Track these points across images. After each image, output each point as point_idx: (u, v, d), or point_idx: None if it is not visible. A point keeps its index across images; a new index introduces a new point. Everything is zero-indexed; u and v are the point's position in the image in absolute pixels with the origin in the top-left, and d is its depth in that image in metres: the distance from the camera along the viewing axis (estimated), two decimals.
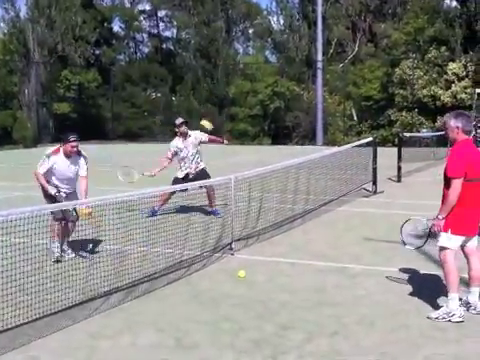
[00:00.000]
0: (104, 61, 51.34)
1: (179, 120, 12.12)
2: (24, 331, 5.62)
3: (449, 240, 5.92)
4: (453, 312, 5.83)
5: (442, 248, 5.99)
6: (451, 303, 5.88)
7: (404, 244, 6.79)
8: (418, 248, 6.89)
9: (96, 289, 6.66)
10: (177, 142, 11.91)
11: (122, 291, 6.83)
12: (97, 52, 51.92)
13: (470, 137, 6.12)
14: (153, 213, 10.99)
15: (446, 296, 6.02)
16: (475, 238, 6.11)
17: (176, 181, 11.53)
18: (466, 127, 5.98)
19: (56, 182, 8.39)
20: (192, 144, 11.84)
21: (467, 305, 6.05)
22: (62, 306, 6.15)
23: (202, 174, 11.58)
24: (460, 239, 5.96)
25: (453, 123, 5.98)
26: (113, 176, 11.11)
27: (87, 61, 47.84)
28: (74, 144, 8.56)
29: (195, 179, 11.10)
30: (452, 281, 5.91)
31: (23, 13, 47.34)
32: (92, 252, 8.19)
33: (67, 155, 8.49)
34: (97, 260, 7.26)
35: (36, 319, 5.85)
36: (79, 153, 8.66)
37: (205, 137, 12.01)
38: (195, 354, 5.21)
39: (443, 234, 5.92)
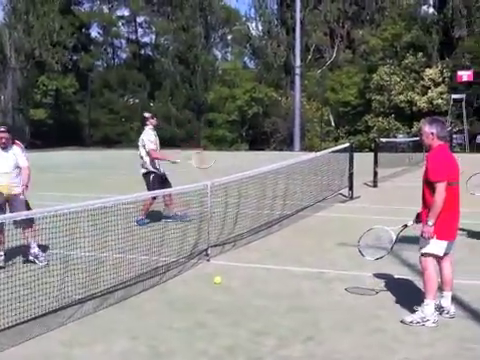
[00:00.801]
0: (82, 67, 51.18)
1: (149, 113, 12.37)
2: None
3: (435, 246, 5.91)
4: (428, 317, 5.85)
5: (425, 254, 5.97)
6: (427, 309, 5.89)
7: (362, 255, 6.74)
8: (377, 259, 6.77)
9: (70, 296, 6.60)
10: (152, 134, 11.98)
11: (97, 298, 6.78)
12: (75, 58, 51.77)
13: (445, 143, 6.15)
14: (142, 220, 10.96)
15: (420, 300, 6.06)
16: (453, 244, 6.13)
17: (159, 178, 11.64)
18: (441, 133, 5.99)
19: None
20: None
21: (440, 309, 6.09)
22: (36, 314, 6.09)
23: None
24: (445, 244, 5.95)
25: (428, 129, 6.01)
26: (91, 182, 11.03)
27: (64, 67, 47.66)
28: (2, 135, 8.29)
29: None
30: (431, 288, 5.92)
31: (0, 18, 47.07)
32: (66, 258, 8.12)
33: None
34: (72, 267, 7.20)
35: (9, 327, 5.77)
36: (13, 143, 8.47)
37: None
38: None
39: (430, 240, 5.90)
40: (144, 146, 11.84)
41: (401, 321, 5.94)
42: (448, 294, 6.16)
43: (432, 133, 5.98)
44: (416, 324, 5.86)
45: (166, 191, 10.56)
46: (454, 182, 5.95)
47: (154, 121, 12.13)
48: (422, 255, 6.02)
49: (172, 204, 11.48)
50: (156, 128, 12.18)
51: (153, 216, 11.33)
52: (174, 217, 11.34)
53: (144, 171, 11.87)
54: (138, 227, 8.82)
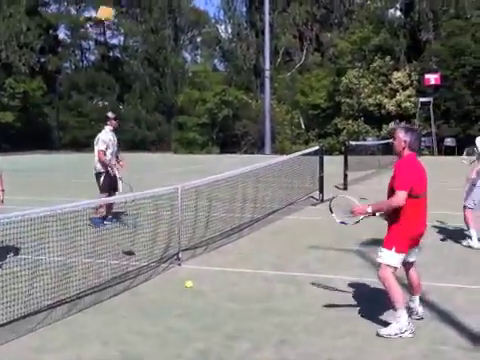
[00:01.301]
0: (49, 69, 50.67)
1: (113, 114, 12.43)
2: None
3: (392, 258, 5.79)
4: (404, 328, 5.73)
5: (383, 265, 5.85)
6: (401, 320, 5.74)
7: (341, 222, 6.86)
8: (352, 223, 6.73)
9: (40, 302, 6.50)
10: (109, 135, 12.03)
11: (66, 304, 6.70)
12: (42, 60, 51.19)
13: (415, 153, 6.09)
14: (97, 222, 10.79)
15: (390, 304, 6.09)
16: (415, 250, 6.09)
17: (110, 178, 11.70)
18: (413, 144, 5.96)
19: None
20: (116, 142, 12.16)
21: (409, 310, 6.12)
22: (4, 320, 5.99)
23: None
24: (402, 257, 5.84)
25: (402, 136, 5.96)
26: (59, 186, 10.90)
27: (32, 69, 47.12)
28: None
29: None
30: (396, 297, 5.78)
31: None
32: (35, 264, 8.00)
33: None
34: (41, 272, 7.10)
35: None
36: None
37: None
38: None
39: (386, 251, 5.81)
40: (97, 145, 11.95)
41: (377, 334, 5.75)
42: (417, 297, 6.21)
43: (405, 141, 5.93)
44: (394, 336, 5.69)
45: (137, 195, 10.46)
46: (420, 194, 5.86)
47: (115, 123, 12.21)
48: (380, 265, 5.90)
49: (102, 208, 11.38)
50: (115, 130, 12.24)
51: (121, 220, 11.23)
52: (111, 220, 11.30)
53: (95, 171, 11.93)
54: (108, 231, 8.72)
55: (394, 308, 5.83)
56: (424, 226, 5.99)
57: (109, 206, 11.36)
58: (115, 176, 11.89)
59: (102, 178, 11.79)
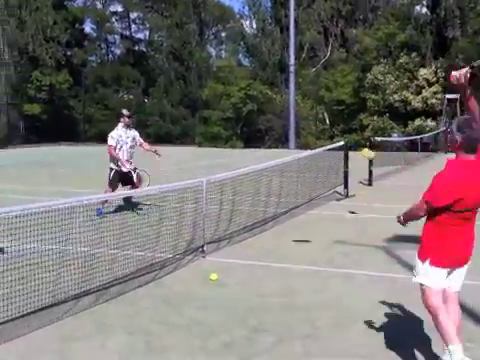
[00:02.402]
0: (75, 62, 50.98)
1: (127, 111, 12.71)
2: None
3: (426, 274, 4.60)
4: None
5: (421, 288, 4.68)
6: (454, 357, 4.43)
7: None
8: None
9: (66, 292, 6.58)
10: (120, 132, 12.29)
11: (92, 294, 6.77)
12: (68, 53, 51.51)
13: (472, 157, 4.54)
14: (100, 213, 10.86)
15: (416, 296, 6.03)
16: (459, 275, 4.71)
17: (121, 174, 12.00)
18: (465, 145, 4.52)
19: None
20: (130, 138, 12.34)
21: None
22: (31, 309, 6.06)
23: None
24: (443, 273, 4.58)
25: (455, 134, 4.60)
26: (86, 177, 11.01)
27: (58, 62, 47.45)
28: None
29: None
30: (445, 331, 4.47)
31: None
32: (61, 254, 8.08)
33: None
34: (67, 263, 7.17)
35: (4, 322, 5.75)
36: None
37: (140, 138, 12.62)
38: (165, 357, 5.18)
39: (419, 263, 4.64)
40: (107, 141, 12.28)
41: None
42: (455, 348, 4.46)
43: (456, 141, 4.55)
44: None
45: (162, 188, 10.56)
46: (462, 209, 4.47)
47: (128, 120, 12.40)
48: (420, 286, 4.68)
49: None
50: (130, 127, 12.42)
51: (150, 212, 11.29)
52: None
53: (110, 165, 12.31)
54: (133, 223, 8.78)
55: (445, 345, 4.52)
56: (470, 248, 4.63)
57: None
58: (128, 172, 12.13)
59: (112, 173, 12.15)
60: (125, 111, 12.71)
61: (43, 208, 6.52)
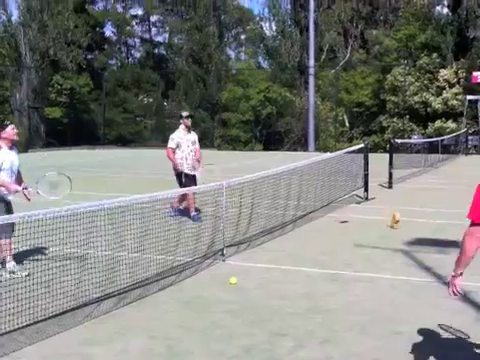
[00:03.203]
0: (96, 66, 51.33)
1: (186, 113, 12.46)
2: (15, 337, 5.59)
3: None
4: None
5: None
6: None
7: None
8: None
9: (88, 295, 6.64)
10: (180, 134, 12.04)
11: (114, 297, 6.82)
12: (89, 57, 51.90)
13: None
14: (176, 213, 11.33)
15: (435, 304, 6.03)
16: None
17: (186, 176, 11.75)
18: None
19: (8, 179, 7.84)
20: (190, 141, 12.06)
21: None
22: (53, 312, 6.13)
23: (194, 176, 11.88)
24: None
25: None
26: (103, 180, 11.08)
27: (79, 66, 47.78)
28: (14, 126, 8.02)
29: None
30: None
31: (15, 17, 47.36)
32: (83, 257, 8.15)
33: (13, 144, 8.01)
34: (89, 266, 7.24)
35: (27, 325, 5.82)
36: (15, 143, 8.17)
37: (197, 143, 12.28)
38: None
39: None
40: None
41: None
42: None
43: None
44: None
45: (179, 191, 10.68)
46: None
47: (187, 121, 12.13)
48: None
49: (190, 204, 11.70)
50: (188, 129, 12.13)
51: (170, 215, 11.36)
52: (194, 218, 11.54)
53: (175, 170, 12.03)
54: (154, 226, 8.83)
55: None
56: None
57: (180, 199, 11.75)
58: (193, 175, 11.89)
59: (183, 176, 11.81)
60: (184, 113, 12.44)
61: (65, 212, 6.58)
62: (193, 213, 11.64)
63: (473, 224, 4.08)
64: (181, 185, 11.65)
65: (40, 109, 45.92)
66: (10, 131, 7.92)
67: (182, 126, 12.10)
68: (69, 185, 7.78)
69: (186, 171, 11.82)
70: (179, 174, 11.89)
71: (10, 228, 7.27)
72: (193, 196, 11.60)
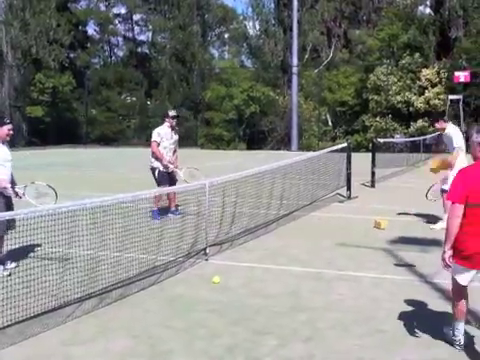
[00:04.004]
0: (79, 64, 51.10)
1: (174, 112, 12.35)
2: None
3: (455, 269, 5.18)
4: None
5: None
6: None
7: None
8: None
9: (69, 295, 6.59)
10: (165, 130, 12.03)
11: (95, 297, 6.78)
12: (71, 55, 51.63)
13: None
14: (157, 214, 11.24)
15: (416, 302, 6.06)
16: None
17: (159, 173, 11.81)
18: None
19: (4, 177, 7.84)
20: (172, 140, 12.10)
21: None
22: (35, 312, 6.08)
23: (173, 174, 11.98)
24: (465, 272, 5.12)
25: (475, 137, 5.15)
26: (85, 180, 11.01)
27: (61, 64, 47.54)
28: (11, 126, 7.99)
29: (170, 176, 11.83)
30: (456, 310, 5.33)
31: None
32: (65, 257, 8.10)
33: (3, 141, 7.94)
34: (70, 266, 7.19)
35: (8, 326, 5.77)
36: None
37: (177, 145, 12.39)
38: None
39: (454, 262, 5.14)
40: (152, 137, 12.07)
41: None
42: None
43: (478, 143, 5.13)
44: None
45: (164, 190, 10.68)
46: (475, 203, 4.98)
47: (173, 121, 12.11)
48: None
49: (173, 201, 11.77)
50: (172, 128, 12.13)
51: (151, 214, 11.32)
52: (174, 212, 11.68)
53: (150, 166, 12.05)
54: (136, 226, 8.78)
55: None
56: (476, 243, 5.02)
57: (169, 198, 11.79)
58: (172, 172, 11.92)
59: (156, 172, 11.87)
60: (171, 112, 12.33)
61: (47, 211, 6.54)
62: (172, 209, 11.80)
63: (453, 204, 5.00)
64: (159, 180, 11.84)
65: (22, 108, 45.61)
66: (5, 131, 7.89)
67: (167, 124, 12.08)
68: (54, 199, 7.82)
69: (161, 169, 11.85)
70: (153, 169, 11.95)
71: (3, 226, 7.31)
72: (173, 194, 11.67)
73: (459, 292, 5.28)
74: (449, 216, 5.08)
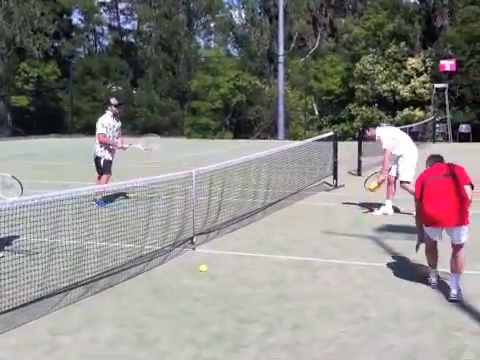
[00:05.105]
0: (63, 54, 50.72)
1: (116, 101, 12.55)
2: None
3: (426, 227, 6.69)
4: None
5: None
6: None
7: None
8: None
9: (55, 285, 6.57)
10: (109, 119, 12.29)
11: (81, 286, 6.76)
12: (56, 44, 51.20)
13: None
14: (101, 204, 10.98)
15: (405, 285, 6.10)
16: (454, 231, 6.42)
17: (108, 163, 12.22)
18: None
19: None
20: (116, 128, 12.40)
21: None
22: (21, 302, 6.06)
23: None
24: (430, 230, 6.62)
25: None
26: (70, 169, 10.96)
27: (46, 54, 47.14)
28: None
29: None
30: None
31: None
32: (50, 247, 8.06)
33: None
34: (56, 255, 7.16)
35: None
36: None
37: (120, 131, 12.68)
38: (156, 349, 5.19)
39: None
40: (97, 129, 12.27)
41: None
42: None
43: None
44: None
45: (151, 180, 10.61)
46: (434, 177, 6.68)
47: (115, 109, 12.39)
48: None
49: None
50: (117, 116, 12.44)
51: (138, 204, 11.26)
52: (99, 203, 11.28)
53: (95, 156, 12.31)
54: (122, 215, 8.75)
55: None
56: (441, 204, 6.43)
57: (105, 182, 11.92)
58: (110, 161, 12.34)
59: (102, 161, 12.19)
60: (113, 100, 12.54)
61: (32, 201, 6.50)
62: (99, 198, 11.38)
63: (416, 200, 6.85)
64: (98, 170, 12.20)
65: (6, 97, 45.23)
66: None
67: (110, 113, 12.32)
68: (20, 191, 7.85)
69: (106, 158, 12.21)
70: (98, 159, 12.23)
71: None
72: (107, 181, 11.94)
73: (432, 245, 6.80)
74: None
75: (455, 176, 6.58)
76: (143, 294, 6.69)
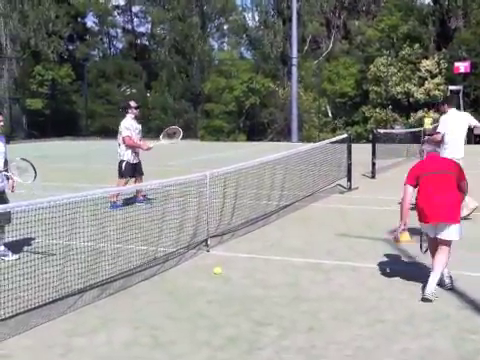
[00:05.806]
0: (78, 57, 50.95)
1: (135, 103, 12.88)
2: None
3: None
4: None
5: None
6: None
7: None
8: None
9: (70, 286, 6.60)
10: (132, 122, 12.55)
11: (96, 288, 6.79)
12: (70, 47, 51.48)
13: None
14: (116, 207, 11.22)
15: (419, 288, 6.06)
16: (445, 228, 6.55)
17: (127, 164, 12.34)
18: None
19: None
20: (138, 130, 12.72)
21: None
22: (36, 304, 6.09)
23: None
24: (423, 226, 6.86)
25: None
26: (86, 171, 11.01)
27: (60, 57, 47.41)
28: (1, 118, 8.19)
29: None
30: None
31: None
32: (66, 248, 8.09)
33: None
34: (71, 257, 7.19)
35: (10, 317, 5.78)
36: None
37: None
38: (171, 351, 5.20)
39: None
40: (121, 133, 12.45)
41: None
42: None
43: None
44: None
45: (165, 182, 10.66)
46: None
47: (136, 112, 12.69)
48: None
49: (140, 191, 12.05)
50: (137, 119, 12.76)
51: (153, 206, 11.29)
52: (141, 201, 11.98)
53: (120, 159, 12.47)
54: (137, 217, 8.78)
55: None
56: (434, 199, 6.55)
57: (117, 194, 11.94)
58: (139, 162, 12.55)
59: (124, 164, 12.35)
60: (133, 103, 12.84)
61: (48, 203, 6.53)
62: (140, 198, 12.13)
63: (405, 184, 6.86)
64: (124, 172, 12.34)
65: (21, 100, 45.52)
66: None
67: (131, 115, 12.57)
68: (33, 176, 7.91)
69: (130, 161, 12.38)
70: (122, 162, 12.40)
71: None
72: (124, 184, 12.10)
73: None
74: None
75: (450, 173, 6.69)
76: (158, 296, 6.71)
